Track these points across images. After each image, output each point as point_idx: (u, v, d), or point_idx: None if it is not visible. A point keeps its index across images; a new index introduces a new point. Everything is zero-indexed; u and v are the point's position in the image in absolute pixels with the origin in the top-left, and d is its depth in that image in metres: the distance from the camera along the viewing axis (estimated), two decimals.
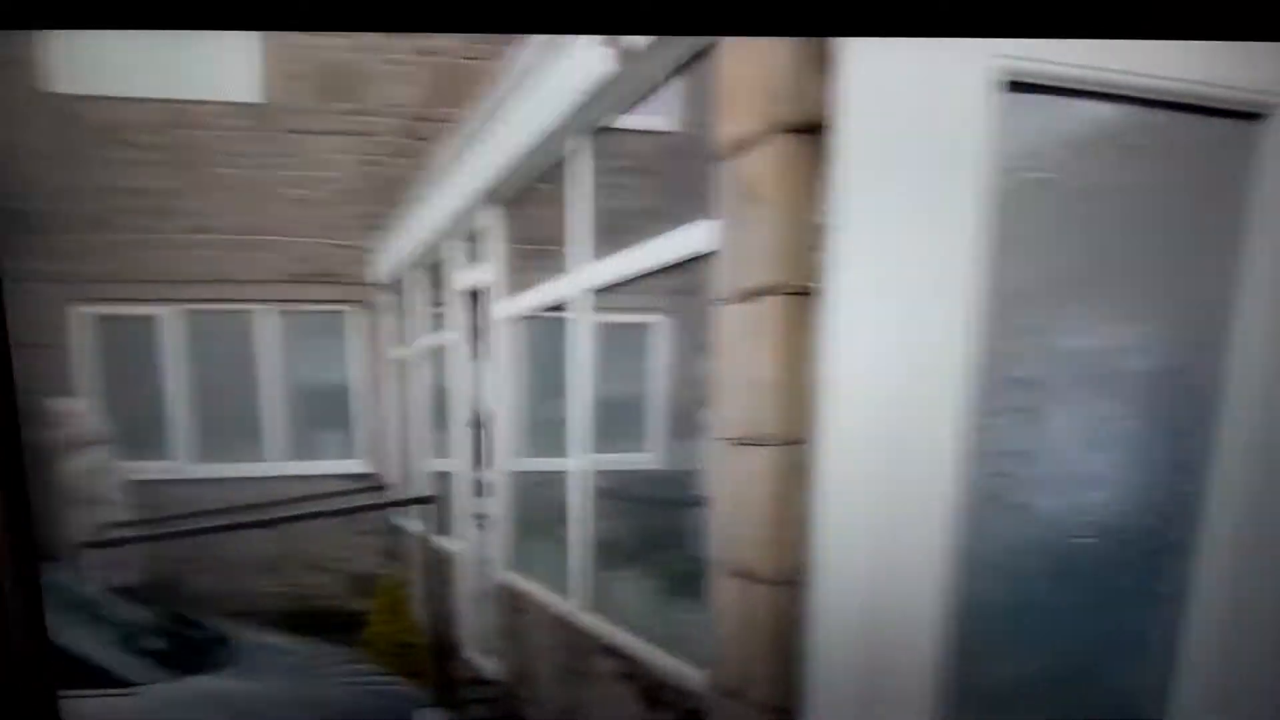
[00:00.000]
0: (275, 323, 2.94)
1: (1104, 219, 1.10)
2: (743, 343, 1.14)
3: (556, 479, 1.97)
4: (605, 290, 1.73)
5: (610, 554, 1.85)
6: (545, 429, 2.11)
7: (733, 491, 1.21)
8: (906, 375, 1.05)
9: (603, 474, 1.86)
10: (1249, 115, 1.07)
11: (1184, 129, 1.08)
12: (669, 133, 1.52)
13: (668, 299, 1.67)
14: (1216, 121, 1.07)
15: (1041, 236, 1.10)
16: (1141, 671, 1.22)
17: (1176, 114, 1.07)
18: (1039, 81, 1.03)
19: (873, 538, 1.09)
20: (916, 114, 0.99)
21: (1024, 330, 1.11)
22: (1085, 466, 1.16)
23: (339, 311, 3.01)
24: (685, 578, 1.55)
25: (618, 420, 1.87)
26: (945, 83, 0.99)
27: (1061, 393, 1.14)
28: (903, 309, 1.03)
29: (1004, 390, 1.12)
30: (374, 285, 2.98)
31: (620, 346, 1.86)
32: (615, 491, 1.85)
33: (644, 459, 1.92)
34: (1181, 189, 1.10)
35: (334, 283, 2.92)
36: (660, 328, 1.81)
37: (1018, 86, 1.04)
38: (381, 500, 3.06)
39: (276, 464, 3.06)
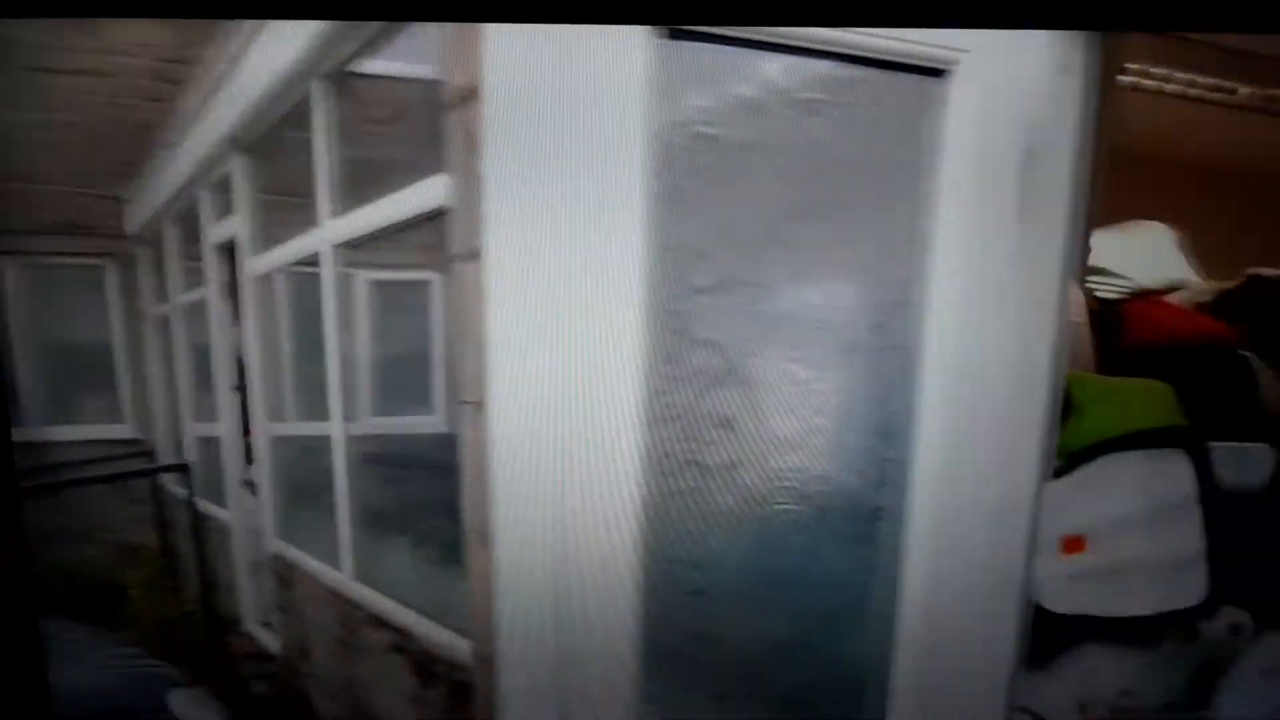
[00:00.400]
0: (22, 277, 2.64)
1: (790, 176, 1.10)
2: (471, 303, 1.09)
3: (324, 444, 1.88)
4: (360, 244, 1.63)
5: (379, 522, 1.78)
6: (311, 392, 2.00)
7: (470, 454, 1.17)
8: (578, 336, 1.03)
9: (375, 438, 1.78)
10: (933, 71, 1.09)
11: (869, 84, 1.08)
12: (416, 80, 1.44)
13: (430, 256, 1.59)
14: (902, 77, 1.08)
15: (721, 195, 1.09)
16: (857, 638, 1.25)
17: (860, 68, 1.07)
18: (705, 30, 1.01)
19: (553, 503, 1.07)
20: (572, 65, 0.96)
21: (705, 290, 1.10)
22: (784, 430, 1.17)
23: (96, 266, 2.73)
24: (454, 545, 1.51)
25: (397, 382, 1.79)
26: (601, 31, 0.96)
27: (754, 354, 1.14)
28: (569, 267, 1.01)
29: (689, 352, 1.11)
30: (132, 238, 2.73)
31: (400, 305, 1.77)
32: (385, 457, 1.78)
33: (428, 422, 1.85)
34: (868, 146, 1.10)
35: (88, 234, 2.65)
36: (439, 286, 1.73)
37: (679, 35, 1.01)
38: (145, 467, 2.84)
39: (31, 430, 2.78)
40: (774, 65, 1.07)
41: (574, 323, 1.04)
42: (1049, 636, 1.54)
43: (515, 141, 1.00)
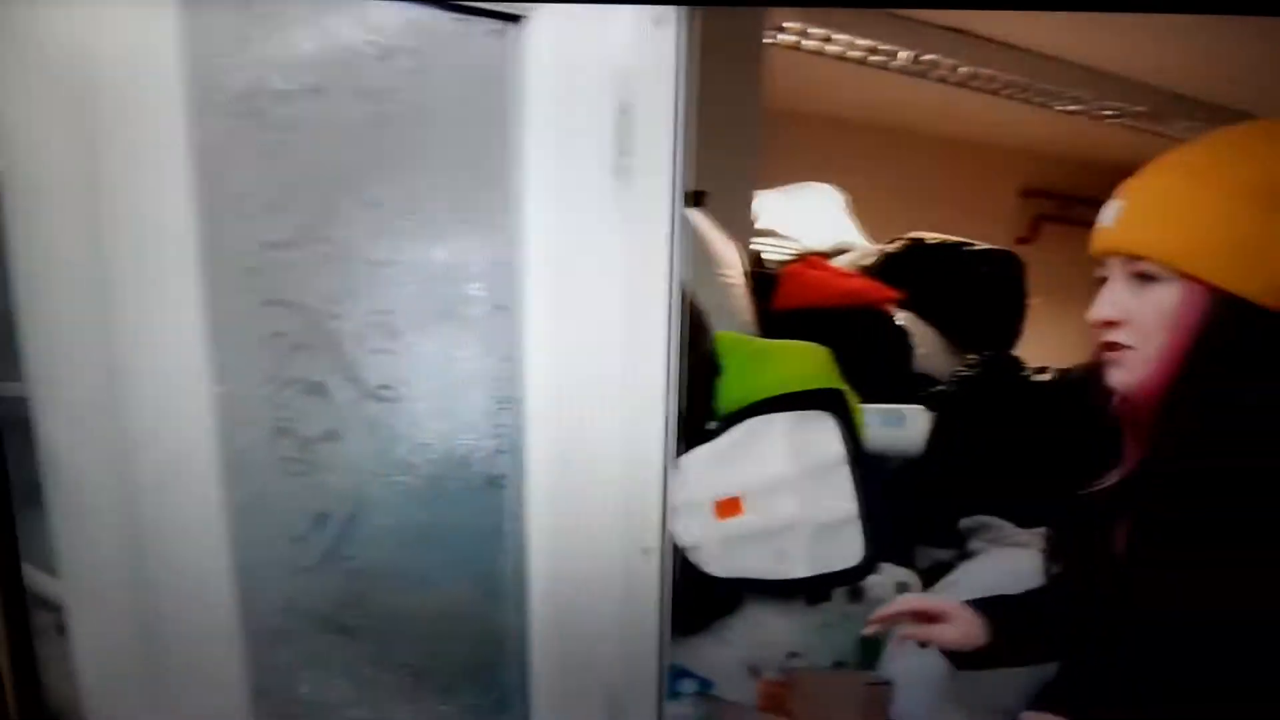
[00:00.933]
0: None
1: (367, 127, 1.02)
2: None
3: None
4: None
5: None
6: None
7: None
8: (125, 308, 0.92)
9: None
10: (510, 17, 1.02)
11: (445, 30, 1.00)
12: None
13: None
14: (478, 22, 1.01)
15: (292, 147, 1.00)
16: (490, 611, 1.20)
17: (435, 11, 1.00)
18: None
19: (123, 495, 0.96)
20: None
21: (280, 246, 1.00)
22: (388, 396, 1.11)
23: None
24: None
25: None
26: None
27: (342, 316, 1.07)
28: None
29: (264, 314, 1.03)
30: None
31: None
32: None
33: None
34: (449, 96, 1.03)
35: None
36: None
37: None
38: None
39: None
40: (344, 11, 0.98)
41: (118, 291, 0.92)
42: (711, 600, 1.54)
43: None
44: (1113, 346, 1.03)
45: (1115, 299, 1.01)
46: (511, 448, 1.10)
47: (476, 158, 1.03)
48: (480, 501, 1.14)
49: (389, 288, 1.07)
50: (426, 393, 1.11)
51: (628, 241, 1.07)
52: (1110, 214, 1.02)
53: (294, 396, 1.08)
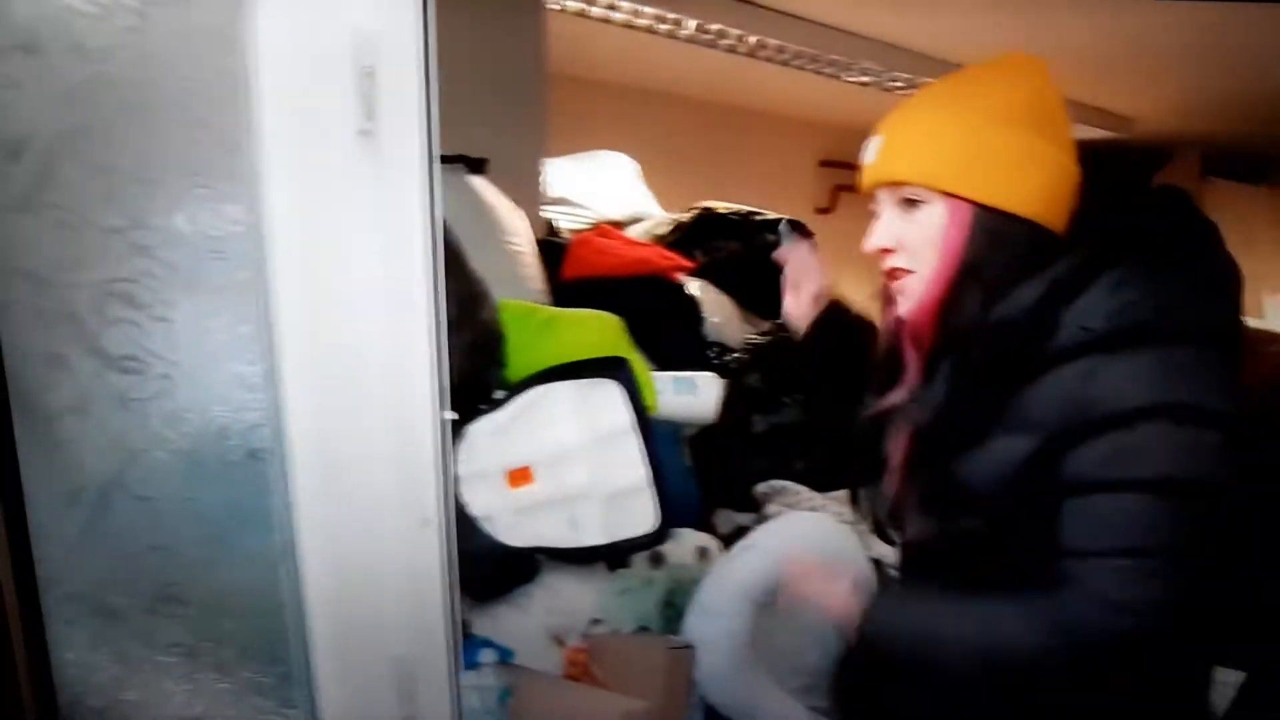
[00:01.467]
0: None
1: (86, 87, 0.97)
2: None
3: None
4: None
5: None
6: None
7: None
8: None
9: None
10: None
11: None
12: None
13: None
14: None
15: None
16: (267, 584, 1.17)
17: None
18: None
19: None
20: None
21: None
22: (135, 368, 1.07)
23: None
24: None
25: None
26: None
27: (76, 285, 1.02)
28: None
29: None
30: None
31: None
32: None
33: None
34: (181, 57, 0.99)
35: None
36: None
37: None
38: None
39: None
40: None
41: None
42: (509, 569, 1.54)
43: None
44: (893, 274, 1.09)
45: (887, 227, 1.06)
46: (270, 420, 1.08)
47: (212, 122, 0.99)
48: (243, 476, 1.12)
49: (127, 256, 1.03)
50: (176, 364, 1.08)
51: (379, 208, 1.06)
52: (871, 150, 1.06)
53: (32, 368, 1.04)
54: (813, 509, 1.77)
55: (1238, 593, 1.00)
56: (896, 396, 1.13)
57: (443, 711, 1.23)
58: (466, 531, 1.34)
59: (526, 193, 2.14)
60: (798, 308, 1.34)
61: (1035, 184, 0.99)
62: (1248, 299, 1.00)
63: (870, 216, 1.09)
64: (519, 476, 1.47)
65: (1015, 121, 0.99)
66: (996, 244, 1.00)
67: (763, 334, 2.06)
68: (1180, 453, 0.90)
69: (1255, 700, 1.26)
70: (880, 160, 1.05)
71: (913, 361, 1.11)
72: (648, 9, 2.43)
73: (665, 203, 2.70)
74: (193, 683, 1.17)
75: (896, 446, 1.13)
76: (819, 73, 3.08)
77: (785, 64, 2.98)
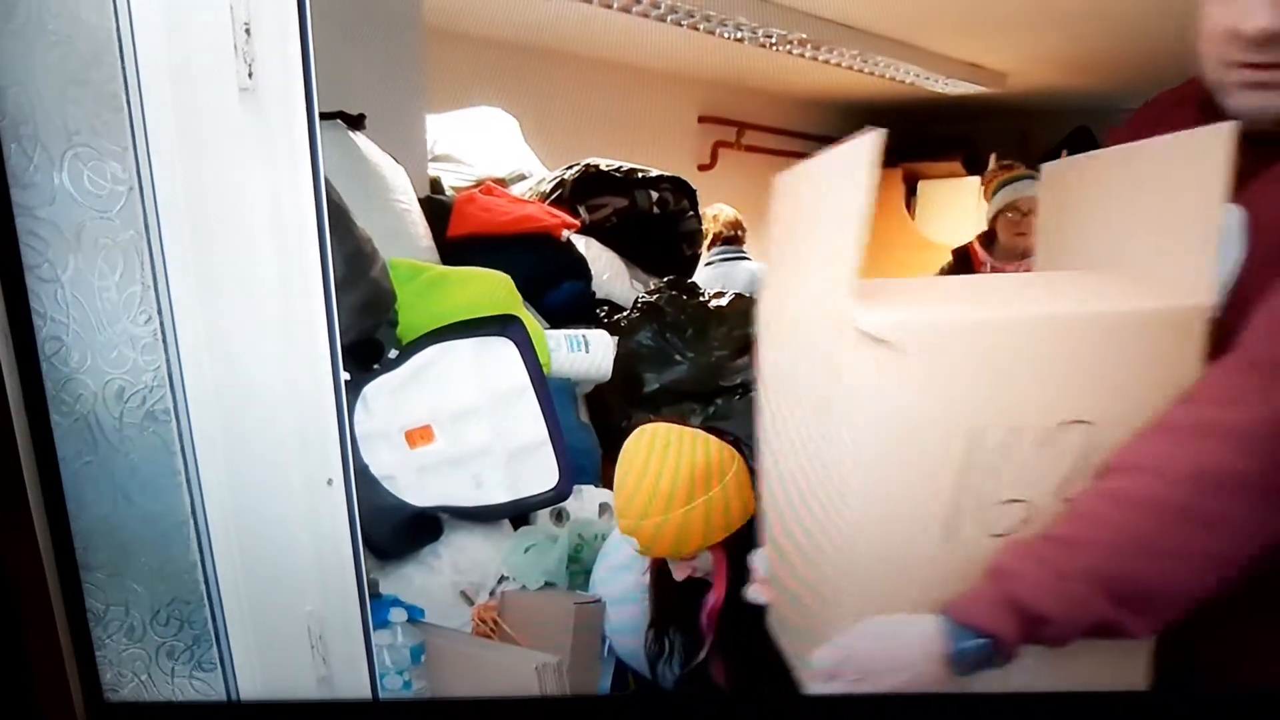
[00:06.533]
0: None
1: None
2: None
3: None
4: None
5: None
6: None
7: None
8: None
9: None
10: None
11: None
12: None
13: None
14: None
15: None
16: (173, 547, 1.17)
17: None
18: None
19: None
20: None
21: None
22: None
23: None
24: None
25: None
26: None
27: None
28: None
29: None
30: None
31: None
32: None
33: None
34: (51, 10, 0.98)
35: None
36: None
37: None
38: None
39: None
40: None
41: None
42: (415, 529, 1.56)
43: None
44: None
45: None
46: (167, 381, 1.08)
47: (88, 77, 1.00)
48: (143, 438, 1.12)
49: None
50: (65, 325, 1.07)
51: (263, 165, 1.07)
52: None
53: None
54: None
55: None
56: None
57: (357, 670, 1.24)
58: (367, 492, 1.36)
59: (410, 150, 2.12)
60: None
61: None
62: None
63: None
64: (419, 435, 1.48)
65: None
66: None
67: (652, 291, 2.10)
68: None
69: None
70: None
71: None
72: None
73: (548, 160, 2.70)
74: (102, 650, 1.16)
75: None
76: (694, 28, 3.09)
77: (661, 19, 2.97)
